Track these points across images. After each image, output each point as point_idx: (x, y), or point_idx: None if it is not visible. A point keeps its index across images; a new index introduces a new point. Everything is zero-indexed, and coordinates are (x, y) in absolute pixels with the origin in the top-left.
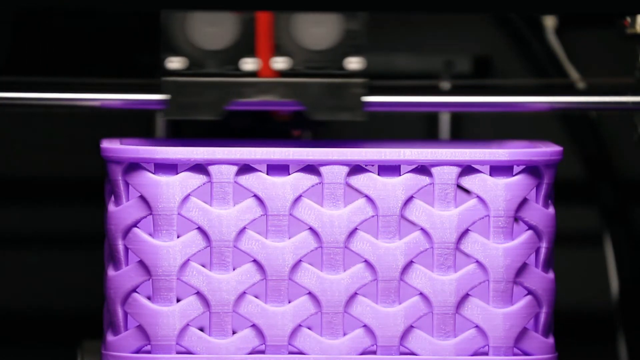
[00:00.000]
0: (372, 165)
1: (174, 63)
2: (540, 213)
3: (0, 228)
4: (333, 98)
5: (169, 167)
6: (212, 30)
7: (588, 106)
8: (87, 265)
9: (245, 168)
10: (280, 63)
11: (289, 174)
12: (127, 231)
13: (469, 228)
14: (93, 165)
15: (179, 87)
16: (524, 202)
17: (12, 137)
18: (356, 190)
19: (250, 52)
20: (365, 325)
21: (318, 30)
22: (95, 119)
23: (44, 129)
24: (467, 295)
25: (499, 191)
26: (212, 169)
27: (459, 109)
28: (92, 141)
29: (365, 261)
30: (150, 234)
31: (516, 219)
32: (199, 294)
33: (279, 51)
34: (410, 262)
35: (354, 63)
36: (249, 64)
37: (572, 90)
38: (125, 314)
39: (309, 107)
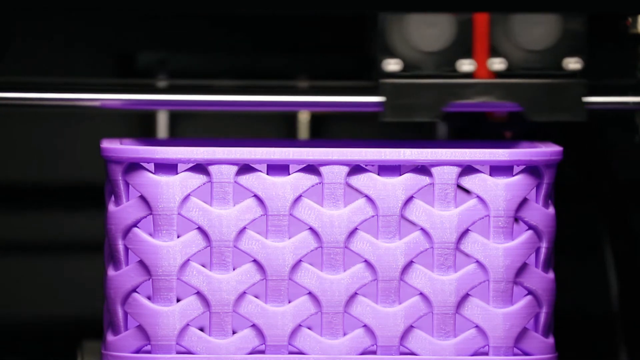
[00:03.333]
0: (372, 165)
1: (391, 65)
2: (540, 213)
3: (1, 228)
4: (552, 99)
5: (169, 167)
6: (429, 31)
7: (590, 107)
8: (87, 265)
9: (246, 168)
10: (497, 64)
11: (289, 174)
12: (127, 231)
13: (469, 228)
14: (93, 165)
15: (396, 89)
16: (524, 202)
17: (12, 138)
18: (356, 190)
19: (467, 54)
20: (365, 325)
21: (536, 30)
22: (96, 119)
23: (45, 130)
24: (467, 295)
25: (499, 191)
26: (212, 169)
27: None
28: (92, 141)
29: (365, 261)
30: (150, 234)
31: (516, 219)
32: (199, 294)
33: (495, 52)
34: (410, 262)
35: (573, 63)
36: (465, 65)
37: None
38: (125, 314)
39: (526, 108)
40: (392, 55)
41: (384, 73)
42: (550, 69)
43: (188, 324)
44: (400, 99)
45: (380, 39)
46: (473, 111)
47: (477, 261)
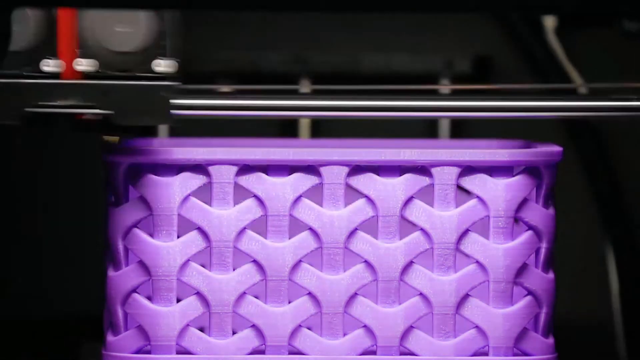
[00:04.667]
0: (372, 166)
1: None
2: (540, 213)
3: (0, 229)
4: (140, 102)
5: (169, 168)
6: (16, 29)
7: (591, 110)
8: (88, 265)
9: (245, 168)
10: (84, 65)
11: (289, 174)
12: (127, 231)
13: (469, 228)
14: (93, 165)
15: None
16: (524, 202)
17: (12, 138)
18: (356, 190)
19: (54, 53)
20: (365, 326)
21: (125, 31)
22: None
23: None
24: (467, 296)
25: (499, 191)
26: (212, 169)
27: (458, 114)
28: (92, 142)
29: (365, 261)
30: (150, 235)
31: (516, 219)
32: (199, 294)
33: (84, 52)
34: (410, 263)
35: (162, 66)
36: (51, 65)
37: (575, 95)
38: (126, 315)
39: (115, 111)
40: None
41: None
42: (141, 71)
43: (188, 324)
44: None
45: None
46: (60, 113)
47: (477, 261)
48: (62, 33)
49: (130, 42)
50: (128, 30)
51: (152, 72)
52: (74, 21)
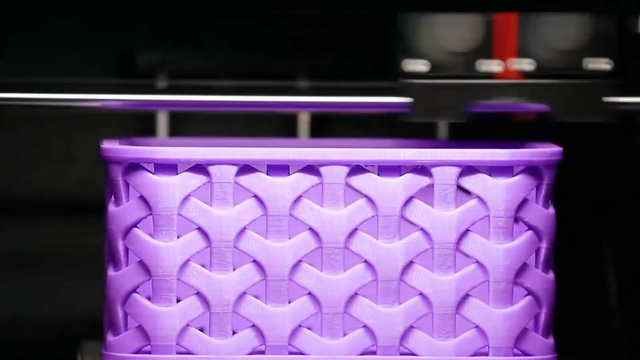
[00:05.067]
0: (372, 166)
1: (417, 65)
2: (540, 213)
3: (1, 228)
4: (579, 100)
5: (169, 168)
6: (456, 32)
7: (618, 108)
8: (88, 265)
9: (246, 168)
10: (523, 64)
11: (289, 174)
12: (127, 231)
13: (469, 228)
14: (93, 165)
15: (422, 89)
16: (524, 202)
17: (12, 138)
18: (356, 190)
19: (491, 54)
20: (365, 326)
21: (564, 30)
22: (96, 119)
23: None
24: (467, 296)
25: (499, 191)
26: (212, 169)
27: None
28: (92, 142)
29: (365, 261)
30: (150, 234)
31: (516, 219)
32: (199, 294)
33: (521, 52)
34: (411, 263)
35: (601, 64)
36: (491, 65)
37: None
38: (126, 314)
39: (554, 109)
40: (418, 55)
41: (409, 73)
42: (577, 70)
43: (188, 325)
44: (426, 100)
45: (404, 40)
46: (499, 112)
47: (477, 261)
48: (505, 35)
49: (570, 41)
50: (567, 30)
51: (590, 70)
52: (515, 24)
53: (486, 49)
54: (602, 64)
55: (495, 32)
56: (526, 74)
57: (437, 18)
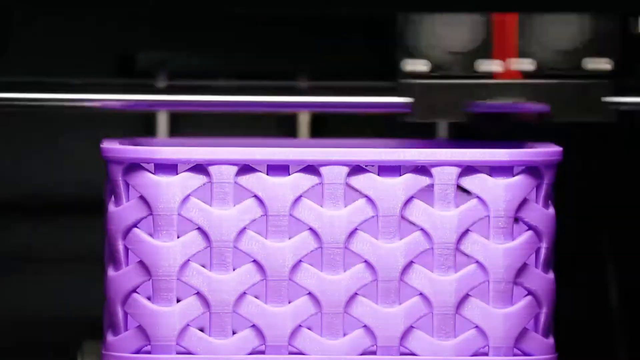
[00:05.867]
0: (372, 166)
1: (418, 65)
2: (540, 213)
3: (1, 227)
4: (578, 99)
5: (169, 168)
6: (456, 32)
7: (618, 108)
8: (88, 265)
9: (245, 168)
10: (523, 64)
11: (289, 174)
12: (127, 231)
13: (469, 228)
14: (93, 166)
15: (423, 89)
16: (524, 202)
17: (12, 138)
18: (356, 190)
19: (492, 53)
20: (365, 326)
21: (563, 30)
22: (96, 119)
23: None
24: (467, 296)
25: (499, 191)
26: (212, 169)
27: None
28: (92, 142)
29: (365, 261)
30: (150, 234)
31: (516, 219)
32: (199, 294)
33: (521, 52)
34: (410, 263)
35: (600, 63)
36: (491, 65)
37: None
38: (126, 315)
39: (555, 109)
40: (418, 55)
41: (409, 73)
42: (577, 70)
43: (188, 325)
44: (426, 100)
45: (404, 40)
46: (499, 112)
47: (477, 261)
48: (505, 34)
49: (569, 41)
50: (567, 30)
51: (589, 70)
52: (515, 23)
53: (486, 49)
54: (602, 64)
55: (495, 32)
56: (526, 74)
57: (437, 18)
